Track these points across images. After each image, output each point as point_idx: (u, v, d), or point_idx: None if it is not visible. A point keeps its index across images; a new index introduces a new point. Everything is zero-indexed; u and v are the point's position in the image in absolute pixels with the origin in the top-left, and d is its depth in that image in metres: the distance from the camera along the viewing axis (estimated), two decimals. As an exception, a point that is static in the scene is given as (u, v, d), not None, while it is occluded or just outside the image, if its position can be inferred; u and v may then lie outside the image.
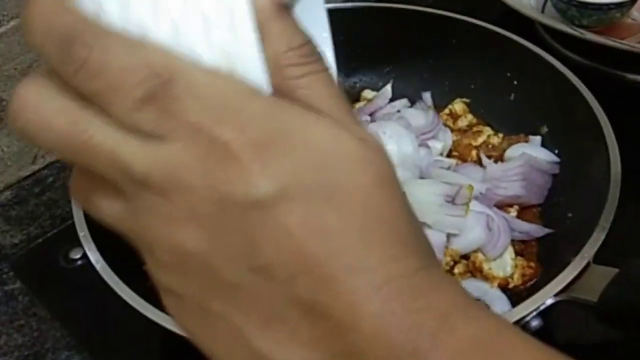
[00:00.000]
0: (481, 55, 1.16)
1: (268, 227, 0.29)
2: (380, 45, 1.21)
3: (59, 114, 0.30)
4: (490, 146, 1.03)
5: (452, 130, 1.06)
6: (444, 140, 0.93)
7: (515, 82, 1.14)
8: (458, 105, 1.13)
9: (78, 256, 0.84)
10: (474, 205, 0.84)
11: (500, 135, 1.07)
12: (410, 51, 1.20)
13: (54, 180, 1.26)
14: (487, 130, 1.07)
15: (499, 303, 0.84)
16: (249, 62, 0.30)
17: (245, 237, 0.29)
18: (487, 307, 0.33)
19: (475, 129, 1.08)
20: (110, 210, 0.33)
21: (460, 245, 0.84)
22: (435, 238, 0.83)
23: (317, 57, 0.32)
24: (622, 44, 1.19)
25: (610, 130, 0.94)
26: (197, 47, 0.29)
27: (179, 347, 0.79)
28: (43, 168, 1.28)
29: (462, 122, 1.09)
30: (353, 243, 0.30)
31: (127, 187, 0.31)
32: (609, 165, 0.90)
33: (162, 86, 0.29)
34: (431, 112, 0.95)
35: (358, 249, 0.30)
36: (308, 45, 0.32)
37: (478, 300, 0.35)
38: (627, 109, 1.12)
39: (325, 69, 0.32)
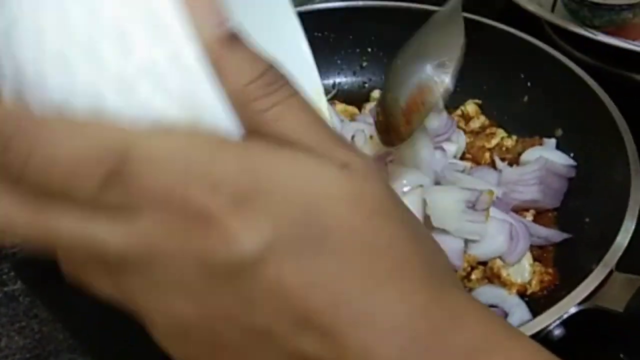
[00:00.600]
0: (494, 55, 1.14)
1: (261, 286, 0.27)
2: (389, 45, 1.18)
3: (18, 207, 0.29)
4: (504, 148, 1.01)
5: (464, 132, 1.04)
6: (457, 142, 0.91)
7: (529, 84, 1.12)
8: (470, 107, 1.10)
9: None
10: (495, 213, 0.82)
11: (514, 137, 1.05)
12: (421, 51, 1.18)
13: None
14: (501, 132, 1.05)
15: (518, 310, 0.81)
16: (210, 107, 0.27)
17: (239, 299, 0.27)
18: (508, 331, 0.31)
19: (488, 130, 1.06)
20: (101, 286, 0.31)
21: (481, 252, 0.81)
22: (454, 245, 0.80)
23: (283, 81, 0.29)
24: (634, 45, 1.17)
25: (629, 132, 0.93)
26: (151, 104, 0.27)
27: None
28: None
29: (475, 124, 1.07)
30: (354, 289, 0.27)
31: (109, 266, 0.29)
32: (629, 168, 0.88)
33: (119, 163, 0.26)
34: (444, 114, 0.92)
35: (361, 295, 0.27)
36: (270, 71, 0.29)
37: (501, 321, 0.33)
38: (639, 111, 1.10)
39: (295, 92, 0.29)
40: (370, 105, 1.12)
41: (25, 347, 0.97)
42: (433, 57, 0.83)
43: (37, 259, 0.98)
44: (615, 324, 0.76)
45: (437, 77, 0.81)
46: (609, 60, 1.22)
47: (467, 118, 1.01)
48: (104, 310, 0.81)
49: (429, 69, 0.81)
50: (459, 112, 1.10)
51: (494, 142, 1.01)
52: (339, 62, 1.23)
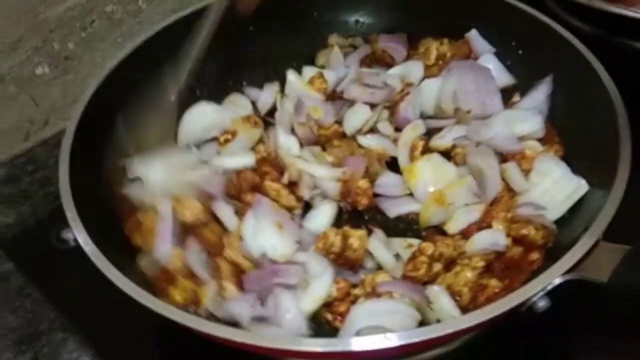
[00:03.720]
0: (485, 23, 1.09)
1: None
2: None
3: None
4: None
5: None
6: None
7: (520, 52, 1.08)
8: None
9: (70, 236, 0.79)
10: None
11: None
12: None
13: (47, 158, 1.20)
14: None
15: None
16: None
17: None
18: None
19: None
20: None
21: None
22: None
23: None
24: (629, 10, 1.12)
25: (621, 103, 0.89)
26: None
27: (172, 330, 0.75)
28: (36, 146, 1.23)
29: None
30: None
31: None
32: (618, 135, 0.85)
33: None
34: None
35: None
36: None
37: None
38: (636, 79, 1.05)
39: None
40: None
41: (18, 326, 0.95)
42: None
43: (29, 239, 0.97)
44: (601, 294, 0.72)
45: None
46: (607, 27, 1.17)
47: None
48: (94, 290, 0.80)
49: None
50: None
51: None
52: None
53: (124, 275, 0.74)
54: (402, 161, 0.99)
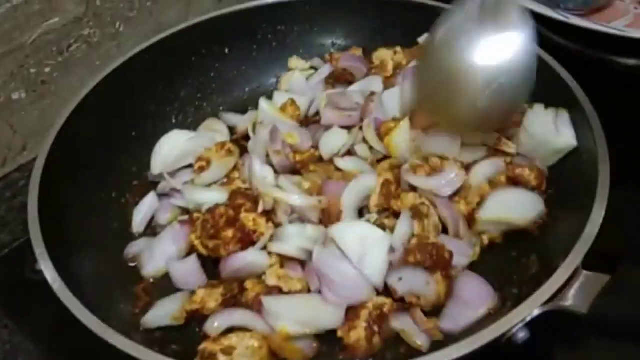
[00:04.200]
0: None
1: None
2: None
3: None
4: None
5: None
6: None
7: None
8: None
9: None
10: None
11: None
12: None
13: (26, 184, 1.18)
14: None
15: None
16: None
17: None
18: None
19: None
20: None
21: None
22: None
23: None
24: (606, 27, 1.11)
25: (598, 123, 0.87)
26: None
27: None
28: (14, 171, 1.20)
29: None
30: None
31: None
32: (596, 155, 0.84)
33: None
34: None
35: None
36: None
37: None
38: (615, 95, 1.04)
39: None
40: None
41: (-5, 357, 0.93)
42: None
43: (3, 269, 0.94)
44: (580, 325, 0.70)
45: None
46: (585, 43, 1.15)
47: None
48: (69, 322, 0.78)
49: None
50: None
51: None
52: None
53: (92, 313, 0.73)
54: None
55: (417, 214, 0.86)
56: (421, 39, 1.12)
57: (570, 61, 0.96)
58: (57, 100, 1.20)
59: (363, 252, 0.84)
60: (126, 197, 1.04)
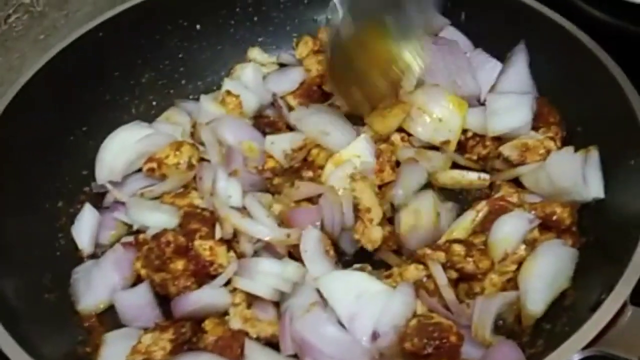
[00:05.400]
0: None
1: None
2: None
3: None
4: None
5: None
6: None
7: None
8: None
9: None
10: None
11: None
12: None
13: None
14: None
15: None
16: None
17: None
18: None
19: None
20: None
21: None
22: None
23: None
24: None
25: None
26: None
27: None
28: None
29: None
30: None
31: None
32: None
33: None
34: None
35: None
36: None
37: None
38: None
39: None
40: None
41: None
42: None
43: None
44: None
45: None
46: (624, 17, 1.05)
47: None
48: None
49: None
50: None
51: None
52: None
53: (29, 354, 0.65)
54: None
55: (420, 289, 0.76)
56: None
57: (611, 38, 0.88)
58: (-8, 84, 1.13)
59: (356, 310, 0.74)
60: (76, 207, 0.92)
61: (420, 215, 0.83)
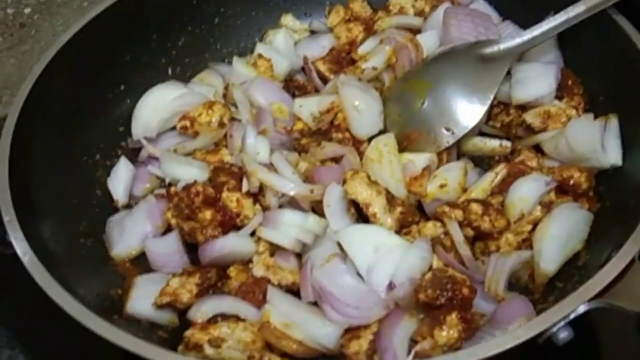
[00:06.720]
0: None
1: None
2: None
3: None
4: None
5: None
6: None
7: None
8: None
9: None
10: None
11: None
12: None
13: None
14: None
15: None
16: None
17: None
18: None
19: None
20: None
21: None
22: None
23: None
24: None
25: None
26: None
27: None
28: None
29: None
30: None
31: None
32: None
33: None
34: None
35: None
36: None
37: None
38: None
39: None
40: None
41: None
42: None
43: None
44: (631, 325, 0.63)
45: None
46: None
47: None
48: (39, 302, 0.72)
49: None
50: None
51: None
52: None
53: (67, 292, 0.69)
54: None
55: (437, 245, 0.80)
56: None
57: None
58: (38, 47, 1.15)
59: (374, 262, 0.79)
60: (113, 161, 0.98)
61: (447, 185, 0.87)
